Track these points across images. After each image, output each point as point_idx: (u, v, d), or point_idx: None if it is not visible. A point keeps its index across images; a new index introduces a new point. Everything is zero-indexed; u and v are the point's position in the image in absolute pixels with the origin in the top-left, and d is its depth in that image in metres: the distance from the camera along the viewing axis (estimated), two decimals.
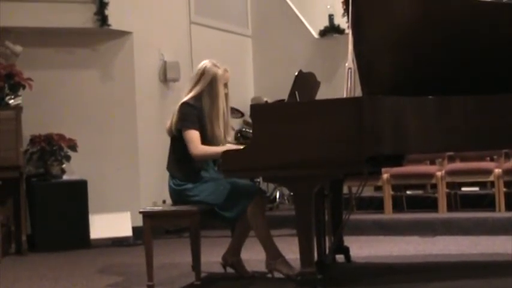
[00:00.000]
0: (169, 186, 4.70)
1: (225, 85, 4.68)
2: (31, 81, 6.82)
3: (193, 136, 4.51)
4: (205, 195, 4.55)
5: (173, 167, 4.70)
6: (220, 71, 4.64)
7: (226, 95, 4.71)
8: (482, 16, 4.41)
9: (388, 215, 7.30)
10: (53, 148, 7.04)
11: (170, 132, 4.66)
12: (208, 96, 4.61)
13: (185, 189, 4.61)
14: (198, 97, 4.62)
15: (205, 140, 4.56)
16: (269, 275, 4.72)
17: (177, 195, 4.66)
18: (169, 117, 4.67)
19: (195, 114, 4.56)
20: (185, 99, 4.63)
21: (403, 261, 5.28)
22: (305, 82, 4.73)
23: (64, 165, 7.14)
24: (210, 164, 4.71)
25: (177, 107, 4.63)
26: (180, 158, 4.64)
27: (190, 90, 4.66)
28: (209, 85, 4.62)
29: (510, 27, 4.34)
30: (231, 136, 4.75)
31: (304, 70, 4.76)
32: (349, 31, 4.53)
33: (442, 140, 4.22)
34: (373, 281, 4.55)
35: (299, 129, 4.09)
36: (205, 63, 4.69)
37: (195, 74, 4.73)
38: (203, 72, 4.65)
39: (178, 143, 4.62)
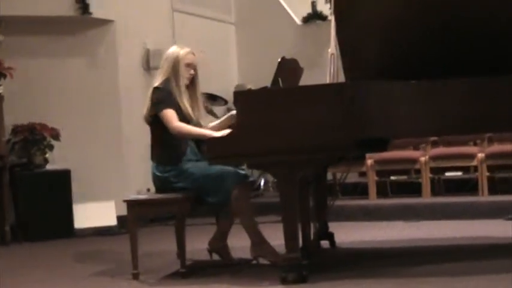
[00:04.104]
0: (153, 174, 4.70)
1: (190, 66, 4.74)
2: (12, 70, 6.76)
3: (169, 115, 4.58)
4: (191, 181, 4.56)
5: (155, 154, 4.71)
6: (182, 53, 4.73)
7: (194, 76, 4.78)
8: None
9: (373, 200, 7.33)
10: (35, 138, 7.00)
11: (147, 119, 4.72)
12: (173, 78, 4.71)
13: (169, 176, 4.61)
14: (165, 80, 4.72)
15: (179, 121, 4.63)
16: (254, 262, 4.73)
17: (161, 183, 4.66)
18: (144, 105, 4.73)
19: (166, 96, 4.64)
20: (154, 84, 4.72)
21: (388, 246, 5.31)
22: (288, 68, 4.72)
23: (47, 155, 7.10)
24: (190, 148, 4.72)
25: (148, 94, 4.70)
26: (160, 143, 4.68)
27: (159, 75, 4.78)
28: (173, 67, 4.71)
29: (499, 8, 4.32)
30: (203, 119, 4.78)
31: (288, 57, 4.75)
32: (331, 17, 4.52)
33: (428, 123, 4.21)
34: (358, 266, 4.57)
35: (282, 115, 4.10)
36: (170, 49, 4.81)
37: (162, 60, 4.82)
38: (167, 57, 4.77)
39: (156, 129, 4.67)
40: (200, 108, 4.82)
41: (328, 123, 4.05)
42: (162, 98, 4.63)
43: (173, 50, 4.78)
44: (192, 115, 4.69)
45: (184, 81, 4.71)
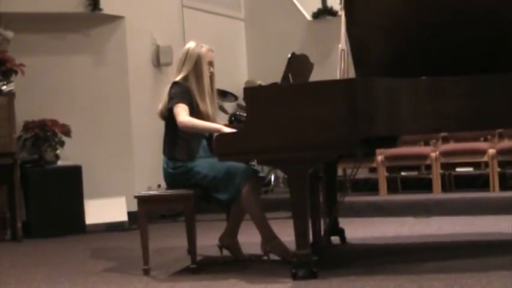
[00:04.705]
0: (164, 169, 4.71)
1: (211, 64, 4.76)
2: (23, 67, 6.79)
3: (179, 109, 4.58)
4: (201, 178, 4.57)
5: (168, 149, 4.71)
6: (204, 50, 4.73)
7: (212, 74, 4.79)
8: None
9: (383, 196, 7.32)
10: (46, 134, 7.02)
11: (162, 114, 4.73)
12: (194, 76, 4.70)
13: (179, 172, 4.62)
14: (185, 77, 4.71)
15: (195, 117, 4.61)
16: (265, 258, 4.74)
17: (171, 178, 4.67)
18: (161, 101, 4.73)
19: (184, 91, 4.63)
20: (174, 80, 4.72)
21: (398, 242, 5.30)
22: (298, 64, 4.72)
23: (58, 151, 7.12)
24: (202, 146, 4.72)
25: (167, 89, 4.69)
26: (174, 138, 4.67)
27: (178, 72, 4.76)
28: (194, 65, 4.70)
29: (502, 7, 4.32)
30: (219, 116, 4.79)
31: (298, 52, 4.75)
32: (342, 13, 4.51)
33: (435, 120, 4.22)
34: (368, 262, 4.56)
35: (293, 111, 4.09)
36: (189, 44, 4.80)
37: (181, 55, 4.82)
38: (188, 53, 4.74)
39: (170, 124, 4.66)
40: (216, 105, 4.83)
41: (337, 120, 4.05)
42: (178, 93, 4.62)
43: (194, 46, 4.75)
44: (211, 114, 4.68)
45: (207, 79, 4.71)
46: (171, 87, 4.67)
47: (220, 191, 4.56)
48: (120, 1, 7.54)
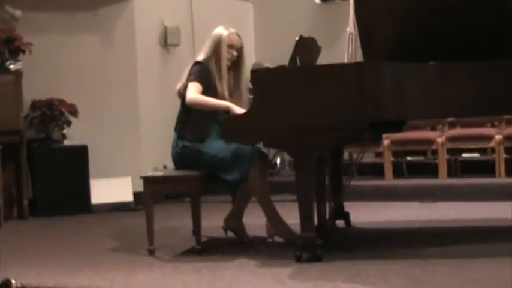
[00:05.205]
0: (173, 148, 4.72)
1: (232, 47, 4.75)
2: (31, 46, 6.79)
3: (192, 86, 4.59)
4: (209, 159, 4.57)
5: (180, 127, 4.73)
6: (225, 34, 4.73)
7: (239, 59, 4.78)
8: None
9: (389, 181, 7.32)
10: (53, 113, 7.03)
11: (179, 93, 4.73)
12: (214, 58, 4.72)
13: (186, 152, 4.63)
14: (206, 58, 4.73)
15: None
16: (269, 240, 4.75)
17: (180, 159, 4.68)
18: (179, 80, 4.74)
19: (203, 71, 4.65)
20: (197, 59, 4.75)
21: (403, 227, 5.31)
22: (306, 47, 4.71)
23: (65, 131, 7.13)
24: (215, 129, 4.71)
25: (188, 67, 4.73)
26: (187, 118, 4.69)
27: (202, 52, 4.78)
28: (215, 47, 4.72)
29: None
30: (244, 102, 4.74)
31: (306, 35, 4.73)
32: None
33: (443, 105, 4.22)
34: (372, 246, 4.58)
35: (300, 94, 4.09)
36: (218, 28, 4.81)
37: (208, 38, 4.83)
38: (212, 35, 4.78)
39: (185, 103, 4.64)
40: (242, 93, 4.79)
41: (345, 103, 4.05)
42: (197, 72, 4.64)
43: (218, 30, 4.78)
44: (226, 97, 4.66)
45: (225, 62, 4.71)
46: (192, 66, 4.70)
47: (227, 171, 4.56)
48: None
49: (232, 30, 4.78)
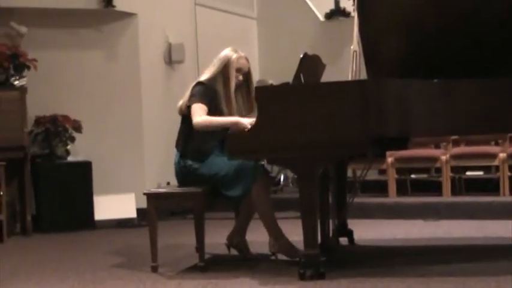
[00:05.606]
0: (175, 165, 4.71)
1: (239, 71, 4.72)
2: (36, 62, 6.82)
3: (197, 108, 4.56)
4: (212, 175, 4.57)
5: (181, 145, 4.72)
6: (234, 56, 4.71)
7: (247, 81, 4.78)
8: None
9: (392, 198, 7.31)
10: (57, 129, 7.05)
11: (181, 111, 4.72)
12: (221, 79, 4.70)
13: (190, 172, 4.62)
14: (212, 78, 4.70)
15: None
16: (272, 257, 4.74)
17: (183, 176, 4.67)
18: (182, 97, 4.73)
19: (206, 92, 4.63)
20: (200, 79, 4.72)
21: (407, 245, 5.29)
22: (310, 65, 4.71)
23: (69, 147, 7.14)
24: (216, 146, 4.71)
25: (190, 86, 4.71)
26: (188, 136, 4.67)
27: (207, 72, 4.76)
28: (223, 68, 4.70)
29: None
30: None
31: (310, 53, 4.74)
32: (354, 14, 4.51)
33: (447, 123, 4.21)
34: (376, 264, 4.56)
35: (304, 111, 4.09)
36: (226, 49, 4.78)
37: (215, 59, 4.80)
38: (220, 56, 4.75)
39: (187, 120, 4.65)
40: (254, 109, 4.71)
41: (349, 120, 4.04)
42: (200, 92, 4.62)
43: (227, 51, 4.75)
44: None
45: (233, 84, 4.69)
46: (194, 86, 4.68)
47: (231, 187, 4.56)
48: None
49: (241, 54, 4.76)
